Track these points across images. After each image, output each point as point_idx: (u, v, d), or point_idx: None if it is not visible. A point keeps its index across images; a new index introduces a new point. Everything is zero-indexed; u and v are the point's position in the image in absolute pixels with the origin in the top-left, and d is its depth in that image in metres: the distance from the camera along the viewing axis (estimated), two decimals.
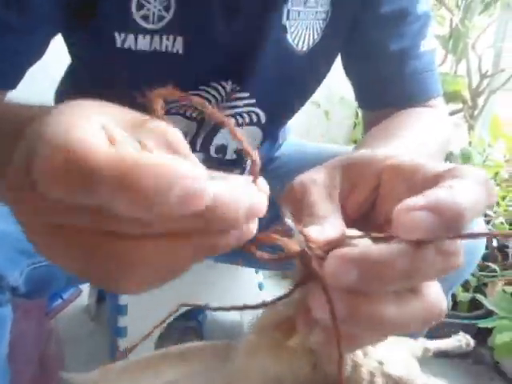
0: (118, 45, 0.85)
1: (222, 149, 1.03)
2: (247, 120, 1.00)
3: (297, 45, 0.94)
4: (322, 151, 1.19)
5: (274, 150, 1.24)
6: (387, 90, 1.00)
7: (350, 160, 0.50)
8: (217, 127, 1.00)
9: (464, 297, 1.71)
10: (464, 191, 0.38)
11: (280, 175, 1.19)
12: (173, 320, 1.40)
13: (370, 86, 1.04)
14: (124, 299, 1.30)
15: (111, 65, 0.90)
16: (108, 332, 1.41)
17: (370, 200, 0.49)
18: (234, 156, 1.06)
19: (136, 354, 1.35)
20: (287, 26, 0.91)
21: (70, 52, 0.99)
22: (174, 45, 0.87)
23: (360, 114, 1.17)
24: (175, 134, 0.39)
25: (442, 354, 1.66)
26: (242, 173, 1.13)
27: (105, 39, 0.85)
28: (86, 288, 1.81)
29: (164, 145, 0.38)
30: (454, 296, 1.69)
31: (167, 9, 0.84)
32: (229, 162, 1.07)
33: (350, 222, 0.46)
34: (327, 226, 0.43)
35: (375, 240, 0.39)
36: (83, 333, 1.63)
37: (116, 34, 0.85)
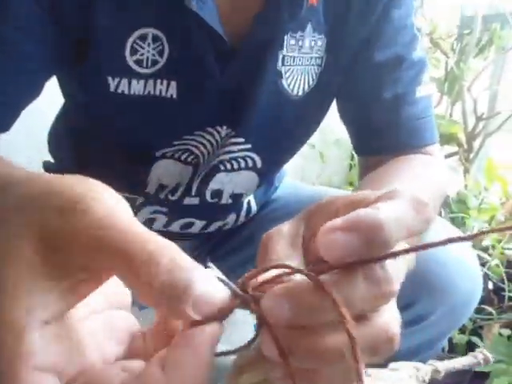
0: (112, 89, 0.85)
1: (217, 193, 1.03)
2: (243, 165, 1.00)
3: (292, 90, 0.94)
4: (318, 194, 1.18)
5: (269, 194, 1.24)
6: (382, 137, 1.00)
7: (312, 207, 0.50)
8: (212, 172, 0.99)
9: (460, 339, 1.69)
10: (388, 209, 0.37)
11: (276, 219, 1.18)
12: None
13: (366, 133, 1.04)
14: None
15: (104, 107, 0.90)
16: None
17: None
18: (230, 201, 1.06)
19: None
20: (282, 72, 0.92)
21: (64, 92, 0.99)
22: (168, 89, 0.87)
23: (356, 156, 1.18)
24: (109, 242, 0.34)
25: None
26: (237, 217, 1.13)
27: (98, 83, 0.86)
28: None
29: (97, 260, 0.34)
30: (450, 338, 1.67)
31: (161, 53, 0.84)
32: (224, 207, 1.07)
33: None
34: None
35: (315, 272, 0.39)
36: None
37: (109, 79, 0.85)
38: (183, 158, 0.96)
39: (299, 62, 0.92)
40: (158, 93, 0.87)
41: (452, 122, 2.16)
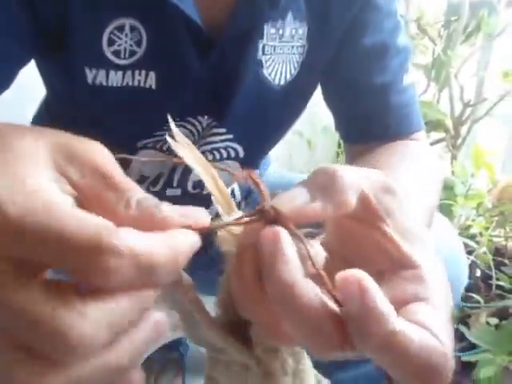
0: (89, 80, 0.84)
1: (199, 184, 1.02)
2: (225, 155, 0.99)
3: (273, 79, 0.93)
4: None
5: None
6: (371, 124, 0.99)
7: None
8: None
9: None
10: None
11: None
12: (154, 351, 1.37)
13: (353, 120, 1.03)
14: None
15: (82, 98, 0.88)
16: None
17: None
18: None
19: None
20: (263, 61, 0.90)
21: (44, 81, 0.98)
22: (147, 80, 0.85)
23: (343, 144, 1.17)
24: (102, 160, 0.39)
25: None
26: None
27: (75, 74, 0.84)
28: None
29: (92, 172, 0.38)
30: None
31: (139, 44, 0.83)
32: (207, 197, 1.05)
33: None
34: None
35: None
36: None
37: (87, 70, 0.83)
38: (165, 148, 0.95)
39: (280, 51, 0.91)
40: (136, 84, 0.85)
41: (439, 108, 2.15)
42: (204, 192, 1.03)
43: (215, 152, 0.98)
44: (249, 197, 1.21)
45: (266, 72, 0.91)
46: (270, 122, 1.00)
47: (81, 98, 0.89)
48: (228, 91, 0.91)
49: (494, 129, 2.31)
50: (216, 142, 0.97)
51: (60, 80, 0.91)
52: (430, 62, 2.21)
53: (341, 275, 0.35)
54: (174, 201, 0.40)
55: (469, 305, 1.72)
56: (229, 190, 1.13)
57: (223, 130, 0.95)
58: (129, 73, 0.84)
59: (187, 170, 0.99)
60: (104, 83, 0.84)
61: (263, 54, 0.90)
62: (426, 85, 2.24)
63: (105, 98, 0.86)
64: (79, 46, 0.82)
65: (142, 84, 0.85)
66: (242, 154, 1.00)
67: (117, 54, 0.83)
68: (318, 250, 0.41)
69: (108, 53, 0.82)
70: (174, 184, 1.00)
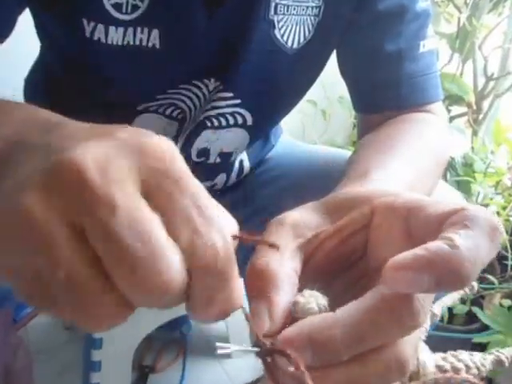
0: (87, 34, 0.78)
1: (204, 152, 0.97)
2: (231, 121, 0.94)
3: (286, 42, 0.87)
4: (315, 154, 1.12)
5: (265, 151, 1.18)
6: (383, 94, 0.94)
7: (335, 199, 0.47)
8: (198, 129, 0.93)
9: (460, 309, 1.65)
10: (467, 245, 0.34)
11: (269, 180, 1.13)
12: (154, 330, 1.34)
13: (366, 89, 0.97)
14: None
15: (80, 55, 0.83)
16: (83, 342, 1.33)
17: (358, 243, 0.45)
18: (218, 160, 0.99)
19: (114, 366, 1.28)
20: (275, 21, 0.85)
21: (39, 35, 0.92)
22: (150, 38, 0.80)
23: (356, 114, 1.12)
24: None
25: None
26: (227, 177, 1.07)
27: (72, 26, 0.78)
28: None
29: None
30: (450, 309, 1.63)
31: None
32: (213, 166, 1.01)
33: (333, 269, 0.45)
34: (276, 308, 0.40)
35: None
36: (56, 343, 1.55)
37: (84, 22, 0.77)
38: (168, 112, 0.90)
39: (294, 12, 0.85)
40: (138, 42, 0.79)
41: (462, 81, 2.09)
42: (209, 161, 0.99)
43: (221, 118, 0.92)
44: (259, 166, 1.16)
45: (278, 33, 0.86)
46: (281, 88, 0.95)
47: (77, 54, 0.83)
48: (236, 52, 0.85)
49: None
50: (223, 107, 0.91)
51: (56, 32, 0.85)
52: (455, 32, 2.13)
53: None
54: None
55: (483, 286, 1.68)
56: (236, 162, 1.08)
57: (230, 95, 0.90)
58: (130, 30, 0.78)
59: (191, 138, 0.94)
60: (103, 40, 0.78)
61: (275, 13, 0.84)
62: (450, 55, 2.17)
63: (103, 56, 0.81)
64: None
65: (144, 43, 0.80)
66: (250, 121, 0.95)
67: (118, 7, 0.76)
68: None
69: (108, 5, 0.76)
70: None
